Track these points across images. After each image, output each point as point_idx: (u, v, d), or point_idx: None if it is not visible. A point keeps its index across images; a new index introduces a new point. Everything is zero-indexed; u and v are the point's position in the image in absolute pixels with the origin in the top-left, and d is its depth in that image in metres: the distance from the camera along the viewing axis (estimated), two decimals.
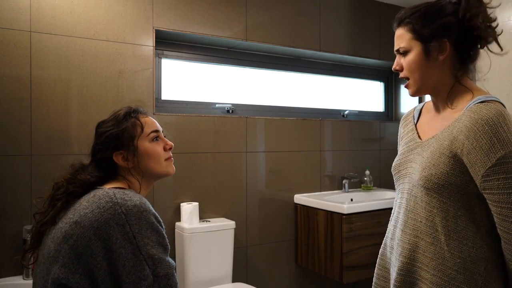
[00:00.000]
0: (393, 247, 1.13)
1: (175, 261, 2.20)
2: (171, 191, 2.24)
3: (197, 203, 2.22)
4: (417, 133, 1.13)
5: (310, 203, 2.53)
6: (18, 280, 1.80)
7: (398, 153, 1.19)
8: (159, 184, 2.18)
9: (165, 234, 0.99)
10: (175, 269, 0.99)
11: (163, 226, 1.00)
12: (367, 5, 2.95)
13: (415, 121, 1.18)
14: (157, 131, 1.13)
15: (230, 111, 2.53)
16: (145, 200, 1.00)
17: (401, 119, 1.27)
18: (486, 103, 0.95)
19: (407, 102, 3.32)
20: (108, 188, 1.01)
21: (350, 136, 2.93)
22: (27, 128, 1.88)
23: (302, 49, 2.68)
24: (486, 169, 0.91)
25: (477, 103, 0.97)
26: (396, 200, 1.18)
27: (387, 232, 1.20)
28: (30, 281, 1.75)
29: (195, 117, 2.32)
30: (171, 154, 1.16)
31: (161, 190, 2.20)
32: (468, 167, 0.95)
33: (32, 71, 1.89)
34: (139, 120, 1.11)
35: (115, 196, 0.96)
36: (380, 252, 1.21)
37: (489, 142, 0.90)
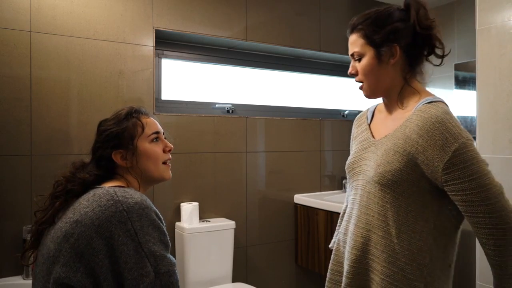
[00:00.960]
0: (346, 241, 1.16)
1: None
2: (171, 191, 2.24)
3: (197, 203, 2.22)
4: (371, 132, 1.19)
5: (310, 203, 2.53)
6: (18, 280, 1.80)
7: (352, 152, 1.25)
8: (159, 184, 2.18)
9: (166, 231, 1.00)
10: (176, 267, 1.00)
11: (164, 223, 1.01)
12: (367, 5, 2.94)
13: (369, 122, 1.23)
14: (158, 132, 1.14)
15: (230, 111, 2.53)
16: (146, 197, 1.00)
17: (355, 120, 1.34)
18: (433, 103, 1.03)
19: None
20: (108, 187, 1.01)
21: (350, 136, 2.93)
22: (27, 128, 1.88)
23: (302, 49, 2.68)
24: (445, 162, 0.97)
25: (425, 103, 1.04)
26: (348, 197, 1.23)
27: (340, 228, 1.24)
28: (30, 281, 1.75)
29: (195, 117, 2.32)
30: (170, 157, 1.16)
31: (161, 190, 2.20)
32: (425, 164, 1.00)
33: (32, 71, 1.89)
34: (140, 120, 1.12)
35: (115, 194, 0.96)
36: (334, 248, 1.25)
37: (442, 137, 0.97)
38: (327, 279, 1.25)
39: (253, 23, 2.48)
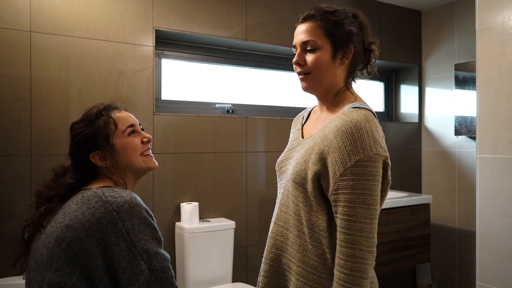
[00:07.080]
0: None
1: (174, 261, 2.20)
2: (171, 191, 2.24)
3: (197, 203, 2.22)
4: (302, 132, 1.19)
5: None
6: (18, 280, 1.80)
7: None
8: (159, 184, 2.19)
9: (157, 228, 0.99)
10: (170, 262, 0.99)
11: (155, 220, 1.00)
12: (367, 5, 2.95)
13: (303, 122, 1.23)
14: (133, 125, 1.11)
15: (230, 111, 2.53)
16: (135, 195, 0.98)
17: (293, 120, 1.33)
18: (358, 109, 1.01)
19: (407, 102, 3.32)
20: (96, 188, 0.99)
21: None
22: (27, 128, 1.88)
23: None
24: (345, 168, 0.95)
25: (351, 107, 1.03)
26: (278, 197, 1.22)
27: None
28: None
29: (195, 117, 2.32)
30: (149, 147, 1.13)
31: (161, 190, 2.20)
32: (329, 166, 0.98)
33: (32, 71, 1.89)
34: (111, 117, 1.08)
35: (103, 194, 0.95)
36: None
37: (352, 143, 0.95)
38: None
39: (253, 23, 2.48)
